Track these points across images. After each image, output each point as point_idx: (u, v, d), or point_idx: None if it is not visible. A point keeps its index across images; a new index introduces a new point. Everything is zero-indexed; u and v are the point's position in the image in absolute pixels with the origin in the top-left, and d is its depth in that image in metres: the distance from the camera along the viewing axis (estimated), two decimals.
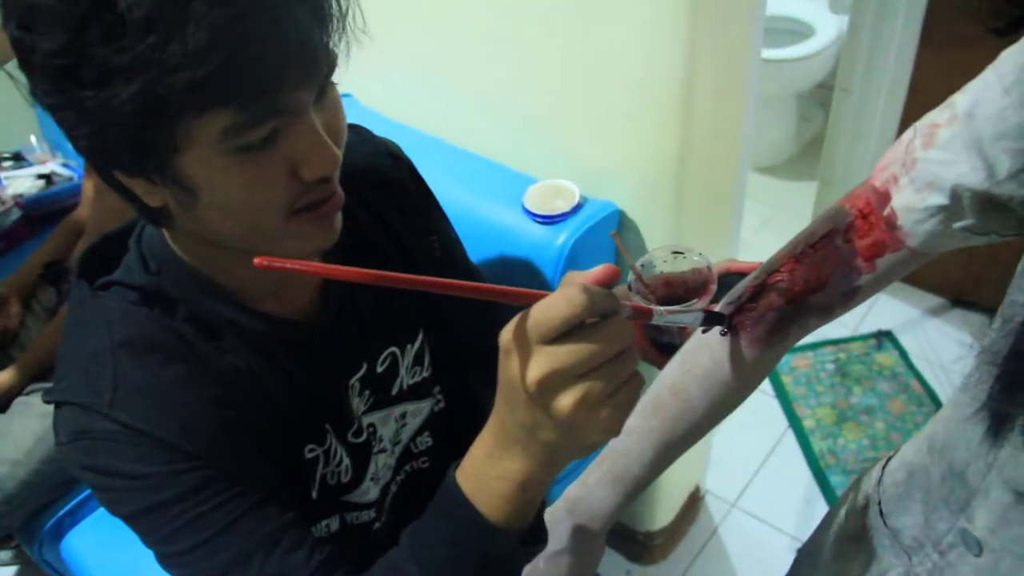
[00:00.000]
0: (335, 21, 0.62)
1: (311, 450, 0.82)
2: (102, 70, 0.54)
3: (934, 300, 2.39)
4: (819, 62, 2.67)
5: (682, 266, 0.90)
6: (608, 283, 0.53)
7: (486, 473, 0.59)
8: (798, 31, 2.77)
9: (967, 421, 0.64)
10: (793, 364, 2.26)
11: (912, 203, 0.61)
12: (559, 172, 1.27)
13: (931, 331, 2.31)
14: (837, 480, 1.95)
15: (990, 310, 0.61)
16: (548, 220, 1.21)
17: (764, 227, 2.74)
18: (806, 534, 0.94)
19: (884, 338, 2.29)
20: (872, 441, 2.04)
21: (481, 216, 1.25)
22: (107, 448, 0.68)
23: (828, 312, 0.69)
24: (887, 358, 2.24)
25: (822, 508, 1.89)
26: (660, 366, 0.90)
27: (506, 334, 0.52)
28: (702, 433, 0.77)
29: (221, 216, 0.65)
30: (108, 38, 0.54)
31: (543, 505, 0.64)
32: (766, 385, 2.23)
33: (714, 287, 0.85)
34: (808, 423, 2.11)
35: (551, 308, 0.50)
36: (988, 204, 0.58)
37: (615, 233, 0.89)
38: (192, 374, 0.72)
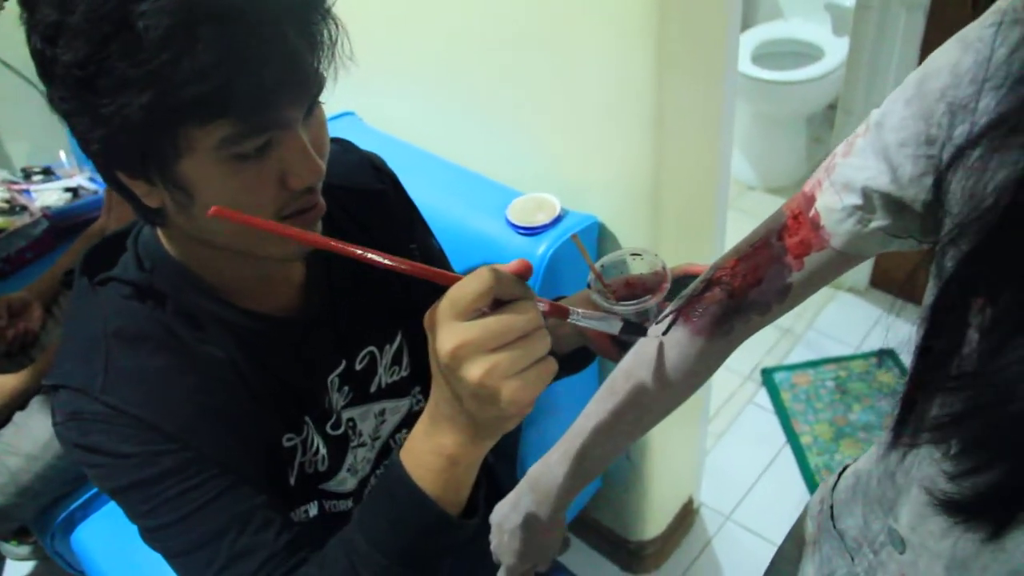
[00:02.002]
0: (325, 48, 0.69)
1: (289, 439, 0.87)
2: (119, 81, 0.61)
3: None
4: (828, 84, 2.70)
5: (641, 267, 0.94)
6: (522, 274, 0.58)
7: (422, 449, 0.65)
8: (807, 54, 2.81)
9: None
10: (793, 381, 2.28)
11: (832, 203, 0.66)
12: (543, 186, 1.33)
13: None
14: None
15: None
16: (529, 232, 1.26)
17: None
18: None
19: (885, 356, 2.30)
20: None
21: (466, 227, 1.31)
22: (96, 428, 0.74)
23: (766, 309, 0.73)
24: (888, 376, 2.25)
25: None
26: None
27: (428, 315, 0.58)
28: (655, 418, 0.81)
29: (214, 218, 0.72)
30: (126, 53, 0.60)
31: (479, 481, 0.69)
32: (765, 401, 2.26)
33: (667, 285, 0.90)
34: (806, 439, 2.12)
35: (462, 286, 0.56)
36: (898, 206, 0.62)
37: (575, 235, 0.94)
38: (178, 363, 0.78)
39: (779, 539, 0.89)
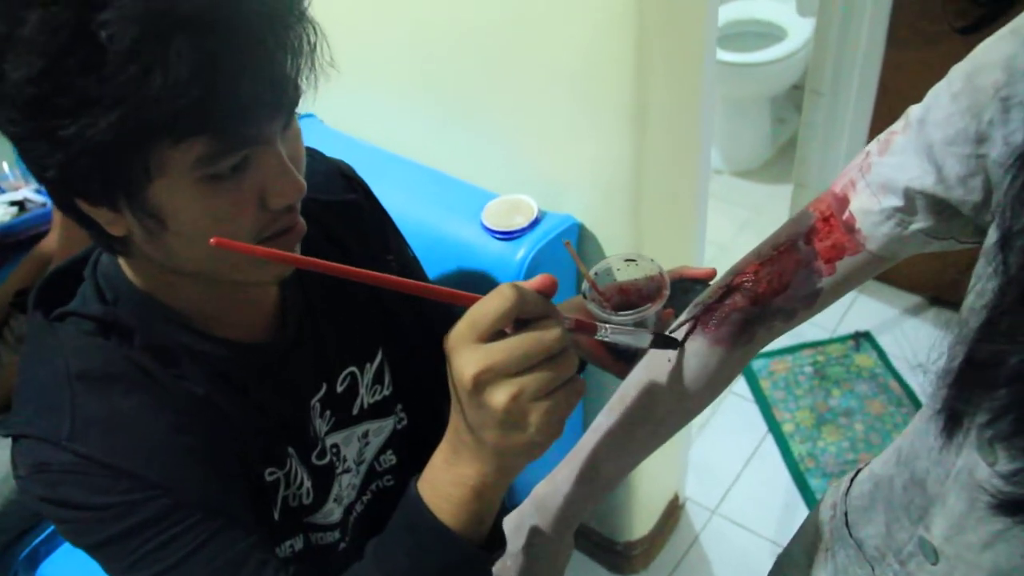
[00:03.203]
0: (304, 56, 0.64)
1: (271, 473, 0.82)
2: (80, 99, 0.55)
3: (912, 299, 2.39)
4: (792, 64, 2.69)
5: (635, 273, 0.91)
6: (546, 291, 0.55)
7: (443, 480, 0.61)
8: (770, 34, 2.79)
9: (928, 425, 0.65)
10: (772, 368, 2.27)
11: (869, 206, 0.63)
12: (518, 187, 1.29)
13: (909, 331, 2.31)
14: (817, 483, 1.96)
15: None
16: (507, 236, 1.22)
17: (743, 231, 2.75)
18: (788, 539, 0.95)
19: (862, 339, 2.30)
20: (852, 443, 2.05)
21: (441, 233, 1.26)
22: (66, 480, 0.68)
23: (792, 315, 0.70)
24: (866, 359, 2.25)
25: (803, 512, 1.89)
26: (618, 374, 0.91)
27: (449, 336, 0.55)
28: (668, 432, 0.78)
29: (188, 244, 0.66)
30: (87, 68, 0.55)
31: (502, 510, 0.65)
32: (745, 390, 2.24)
33: (667, 292, 0.86)
34: (787, 427, 2.11)
35: (483, 306, 0.53)
36: (942, 207, 0.59)
37: (567, 241, 0.90)
38: (151, 403, 0.72)
39: (766, 531, 0.87)
